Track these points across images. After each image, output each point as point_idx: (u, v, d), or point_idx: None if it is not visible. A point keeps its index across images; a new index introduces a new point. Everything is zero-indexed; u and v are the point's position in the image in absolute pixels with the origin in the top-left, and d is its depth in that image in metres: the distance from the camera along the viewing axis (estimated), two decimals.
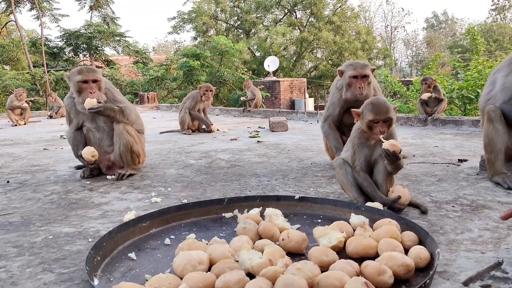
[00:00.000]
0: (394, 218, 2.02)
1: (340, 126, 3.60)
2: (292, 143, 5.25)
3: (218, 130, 6.96)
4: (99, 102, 3.39)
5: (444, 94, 6.83)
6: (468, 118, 6.36)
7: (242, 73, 19.40)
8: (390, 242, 1.76)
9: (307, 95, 21.37)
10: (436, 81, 6.62)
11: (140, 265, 1.80)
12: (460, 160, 3.73)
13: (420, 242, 1.83)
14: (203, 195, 2.96)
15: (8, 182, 3.53)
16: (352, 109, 2.54)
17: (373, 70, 3.39)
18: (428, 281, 1.44)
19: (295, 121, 8.38)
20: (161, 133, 6.76)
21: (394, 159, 2.30)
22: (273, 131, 6.61)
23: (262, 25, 31.36)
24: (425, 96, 6.43)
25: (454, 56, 11.48)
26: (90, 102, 3.36)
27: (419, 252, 1.68)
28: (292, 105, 19.74)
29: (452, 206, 2.47)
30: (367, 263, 1.59)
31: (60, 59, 21.85)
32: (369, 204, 2.32)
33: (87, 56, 22.62)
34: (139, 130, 3.77)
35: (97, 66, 19.68)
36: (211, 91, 6.74)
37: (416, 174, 3.33)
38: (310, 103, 18.90)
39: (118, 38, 22.11)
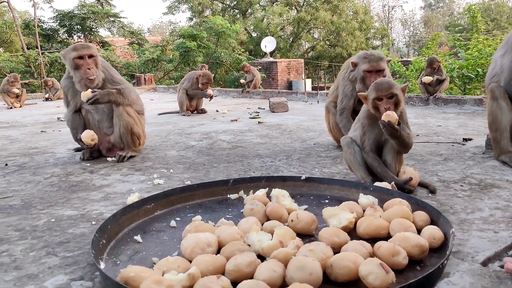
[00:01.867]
0: (405, 198, 1.98)
1: (352, 117, 3.45)
2: (294, 124, 5.19)
3: (217, 111, 6.88)
4: (93, 92, 3.30)
5: (445, 74, 6.75)
6: (470, 97, 6.31)
7: (239, 54, 19.19)
8: (402, 223, 1.73)
9: (304, 76, 21.23)
10: (441, 62, 6.53)
11: (146, 248, 1.76)
12: (465, 139, 3.69)
13: (432, 222, 1.80)
14: (206, 176, 2.92)
15: (6, 165, 3.47)
16: (359, 93, 2.46)
17: (388, 62, 3.24)
18: (445, 261, 1.41)
19: (295, 101, 8.30)
20: (159, 114, 6.69)
21: (391, 130, 2.23)
22: (273, 111, 6.54)
23: (258, 5, 30.96)
24: (427, 79, 6.36)
25: (452, 36, 11.35)
26: (85, 94, 3.28)
27: (433, 232, 1.64)
28: (289, 86, 19.60)
29: (461, 186, 2.43)
30: (380, 244, 1.55)
31: (54, 41, 21.50)
32: (377, 184, 2.28)
33: (81, 37, 22.27)
34: (139, 111, 3.70)
35: None
36: (210, 83, 6.65)
37: (421, 153, 3.29)
38: (307, 84, 18.78)
39: (112, 19, 21.77)
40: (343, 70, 3.51)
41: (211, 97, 6.69)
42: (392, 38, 44.50)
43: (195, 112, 6.77)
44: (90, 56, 3.35)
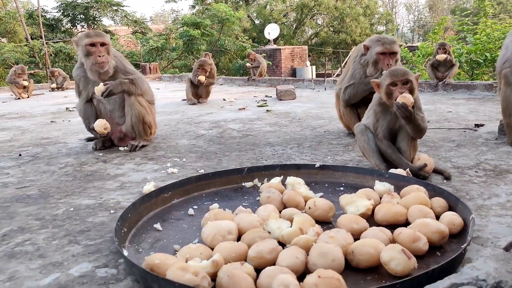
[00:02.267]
0: (421, 185, 1.99)
1: (358, 102, 3.43)
2: (302, 112, 5.19)
3: (224, 99, 6.88)
4: (106, 84, 3.31)
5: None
6: (480, 82, 6.27)
7: (243, 42, 19.08)
8: (421, 209, 1.74)
9: (308, 63, 21.12)
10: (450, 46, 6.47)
11: (167, 235, 1.78)
12: (476, 125, 3.68)
13: (450, 208, 1.81)
14: (219, 165, 2.93)
15: (20, 155, 3.49)
16: (371, 80, 2.45)
17: (400, 46, 3.21)
18: (467, 247, 1.42)
19: (302, 89, 8.28)
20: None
21: (405, 112, 2.23)
22: (280, 99, 6.53)
23: None
24: (441, 57, 6.23)
25: (458, 20, 11.20)
26: (99, 89, 3.30)
27: (452, 218, 1.65)
28: (293, 73, 19.50)
29: (475, 172, 2.44)
30: (400, 230, 1.57)
31: (58, 31, 21.44)
32: (392, 170, 2.28)
33: (85, 27, 22.19)
34: (150, 101, 3.70)
35: None
36: (203, 69, 6.60)
37: (433, 139, 3.29)
38: (311, 71, 18.68)
39: (115, 8, 21.65)
40: (353, 55, 3.48)
41: (200, 83, 6.60)
42: (396, 24, 44.04)
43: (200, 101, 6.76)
44: (103, 44, 3.35)
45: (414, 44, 19.92)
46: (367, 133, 2.51)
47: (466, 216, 1.65)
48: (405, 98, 2.23)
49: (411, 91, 2.30)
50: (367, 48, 3.24)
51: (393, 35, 31.13)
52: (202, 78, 6.54)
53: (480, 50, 8.75)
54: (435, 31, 11.80)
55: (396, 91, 2.30)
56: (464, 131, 3.53)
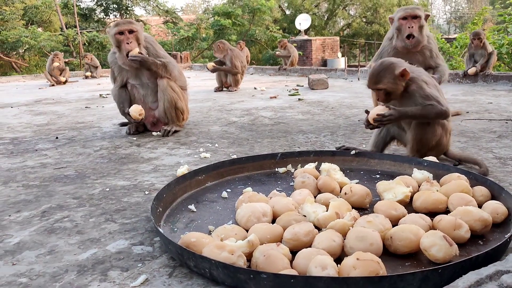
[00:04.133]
0: (463, 173, 1.92)
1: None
2: (335, 101, 5.11)
3: (255, 88, 6.86)
4: (140, 53, 3.34)
5: (492, 48, 6.44)
6: None
7: (274, 32, 18.96)
8: (462, 197, 1.68)
9: (339, 54, 20.80)
10: (485, 37, 6.22)
11: (201, 216, 1.79)
12: None
13: (493, 198, 1.74)
14: (251, 150, 2.92)
15: (57, 138, 3.59)
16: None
17: (427, 16, 3.17)
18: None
19: (334, 79, 8.16)
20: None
21: (381, 123, 2.27)
22: (312, 89, 6.45)
23: None
24: (471, 71, 6.11)
25: (497, 11, 10.76)
26: (133, 52, 3.33)
27: (496, 207, 1.59)
28: (324, 64, 19.22)
29: None
30: (441, 217, 1.52)
31: (92, 20, 21.87)
32: (429, 158, 2.21)
33: (117, 16, 22.54)
34: (182, 87, 3.72)
35: None
36: (218, 45, 6.66)
37: (473, 130, 3.17)
38: (342, 63, 18.39)
39: None
40: (385, 36, 3.51)
41: (208, 69, 6.72)
42: (432, 15, 42.77)
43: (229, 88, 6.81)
44: (131, 32, 3.38)
45: (450, 36, 19.30)
46: None
47: (510, 205, 1.58)
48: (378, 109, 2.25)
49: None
50: (392, 20, 3.33)
51: (429, 26, 30.24)
52: (209, 65, 6.67)
53: None
54: (475, 21, 11.38)
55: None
56: (506, 122, 3.39)
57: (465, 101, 4.61)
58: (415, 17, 3.13)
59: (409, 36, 3.11)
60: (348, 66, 19.17)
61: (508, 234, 1.38)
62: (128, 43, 3.35)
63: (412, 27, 3.09)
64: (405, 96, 2.24)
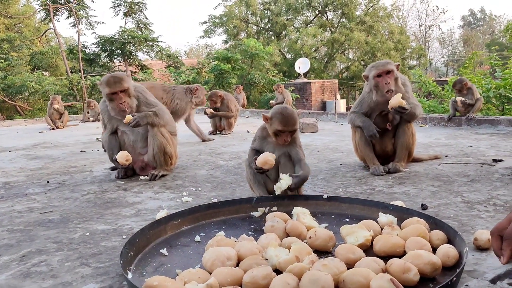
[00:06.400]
0: (423, 218, 2.01)
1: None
2: (322, 144, 5.25)
3: (248, 131, 7.03)
4: (133, 115, 3.50)
5: (480, 93, 6.63)
6: (505, 117, 6.16)
7: (273, 75, 19.45)
8: (417, 241, 1.76)
9: (338, 96, 21.17)
10: (469, 83, 6.37)
11: (171, 260, 1.86)
12: (494, 160, 3.63)
13: (449, 241, 1.82)
14: (232, 194, 3.02)
15: (48, 182, 3.70)
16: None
17: (397, 66, 3.35)
18: (454, 278, 1.43)
19: (326, 122, 8.35)
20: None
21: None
22: (303, 132, 6.62)
23: (292, 27, 31.33)
24: (459, 100, 6.28)
25: (492, 55, 11.11)
26: (127, 118, 3.49)
27: (447, 251, 1.66)
28: (323, 106, 19.60)
29: (485, 207, 2.42)
30: (392, 261, 1.59)
31: (96, 65, 22.56)
32: (397, 203, 2.31)
33: (121, 61, 23.24)
34: (171, 132, 3.87)
35: (131, 71, 20.23)
36: (211, 100, 6.98)
37: (448, 174, 3.27)
38: (341, 105, 18.72)
39: (151, 43, 22.60)
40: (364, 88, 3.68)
41: (206, 114, 7.05)
42: (429, 58, 43.74)
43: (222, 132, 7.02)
44: (123, 91, 3.54)
45: (446, 78, 19.70)
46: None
47: (462, 249, 1.66)
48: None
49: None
50: (366, 77, 3.46)
51: (426, 69, 30.88)
52: (208, 110, 6.94)
53: (509, 85, 8.60)
54: (466, 65, 11.72)
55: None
56: (481, 166, 3.49)
57: (447, 144, 4.73)
58: (388, 72, 3.29)
59: (389, 91, 3.27)
60: (347, 108, 19.51)
61: (451, 277, 1.45)
62: (121, 103, 3.51)
63: (389, 82, 3.26)
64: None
